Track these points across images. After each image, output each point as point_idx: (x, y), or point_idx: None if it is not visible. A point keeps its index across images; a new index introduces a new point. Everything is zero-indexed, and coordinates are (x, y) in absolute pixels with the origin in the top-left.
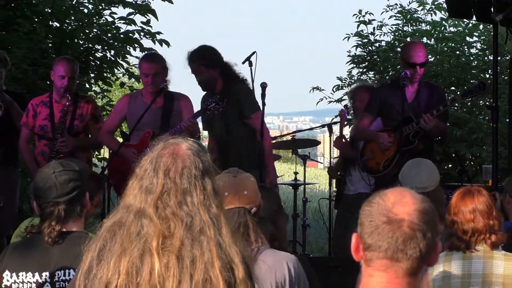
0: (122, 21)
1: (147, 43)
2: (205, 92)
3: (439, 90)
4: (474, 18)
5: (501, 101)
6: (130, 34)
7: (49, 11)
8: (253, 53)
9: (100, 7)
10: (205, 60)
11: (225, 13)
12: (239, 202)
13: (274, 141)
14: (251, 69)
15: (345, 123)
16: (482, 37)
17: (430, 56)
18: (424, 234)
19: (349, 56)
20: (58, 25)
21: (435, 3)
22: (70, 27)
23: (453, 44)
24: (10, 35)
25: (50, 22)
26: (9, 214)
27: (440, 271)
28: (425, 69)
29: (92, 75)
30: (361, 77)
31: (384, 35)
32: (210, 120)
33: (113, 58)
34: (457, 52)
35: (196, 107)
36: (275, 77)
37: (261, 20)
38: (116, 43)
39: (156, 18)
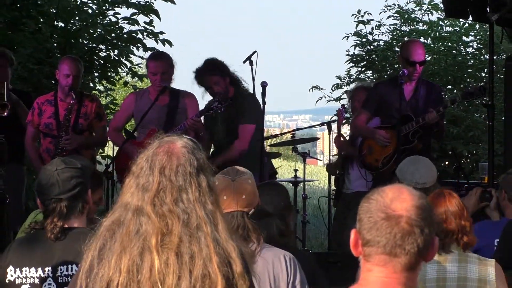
0: (126, 21)
1: (150, 42)
2: (210, 100)
3: (437, 89)
4: (470, 18)
5: (497, 99)
6: (134, 34)
7: (54, 11)
8: (254, 52)
9: (104, 8)
10: (219, 70)
11: (225, 12)
12: (238, 206)
13: (274, 140)
14: (251, 68)
15: (343, 121)
16: (478, 37)
17: (427, 56)
18: (421, 229)
19: (348, 55)
20: (63, 25)
21: (432, 3)
22: (74, 27)
23: (449, 44)
24: (16, 35)
25: (55, 22)
26: (15, 211)
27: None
28: (423, 68)
29: (96, 74)
30: (360, 76)
31: (382, 34)
32: (212, 122)
33: (116, 58)
34: (454, 51)
35: (201, 106)
36: (275, 76)
37: (261, 20)
38: (119, 43)
39: (159, 18)
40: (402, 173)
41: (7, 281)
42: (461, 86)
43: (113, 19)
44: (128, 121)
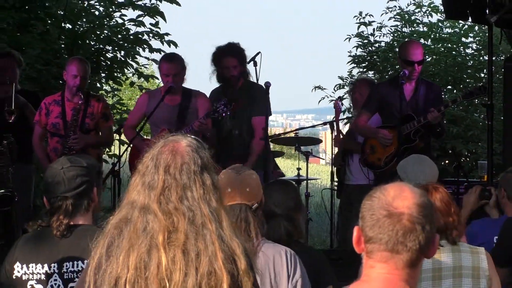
0: (132, 23)
1: (155, 44)
2: (216, 88)
3: (436, 89)
4: (470, 20)
5: (496, 99)
6: (139, 36)
7: (62, 13)
8: (258, 53)
9: (111, 10)
10: (241, 57)
11: (229, 14)
12: (241, 199)
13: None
14: (255, 69)
15: (340, 115)
16: (477, 38)
17: (427, 57)
18: (423, 227)
19: (350, 56)
20: (70, 26)
21: (432, 5)
22: (82, 29)
23: (449, 45)
24: (24, 36)
25: (63, 23)
26: (23, 209)
27: None
28: (423, 68)
29: (103, 74)
30: (362, 77)
31: (383, 36)
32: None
33: (123, 59)
34: (453, 52)
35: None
36: (279, 76)
37: (265, 21)
38: (126, 44)
39: (164, 20)
40: (406, 173)
41: (14, 277)
42: (461, 86)
43: (120, 21)
44: (142, 120)
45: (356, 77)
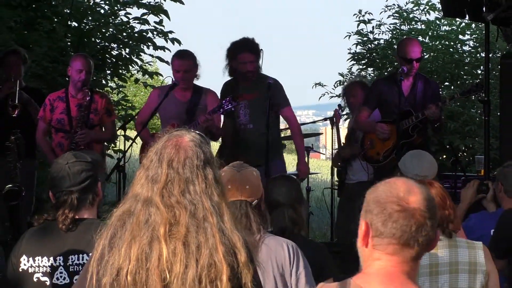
0: (137, 21)
1: (160, 41)
2: (228, 80)
3: (433, 85)
4: (467, 18)
5: (493, 95)
6: (144, 33)
7: (68, 11)
8: (260, 50)
9: (116, 8)
10: (257, 53)
11: (231, 12)
12: (241, 196)
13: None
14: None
15: (344, 118)
16: (474, 36)
17: (425, 54)
18: (432, 222)
19: (349, 53)
20: (76, 24)
21: (430, 3)
22: (87, 27)
23: (447, 42)
24: (31, 34)
25: (69, 22)
26: (26, 203)
27: None
28: (421, 65)
29: (108, 71)
30: (361, 73)
31: (382, 33)
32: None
33: (128, 56)
34: (451, 50)
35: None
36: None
37: (267, 20)
38: (130, 42)
39: (168, 18)
40: (406, 167)
41: (20, 270)
42: (458, 83)
43: (125, 19)
44: (153, 116)
45: (354, 77)
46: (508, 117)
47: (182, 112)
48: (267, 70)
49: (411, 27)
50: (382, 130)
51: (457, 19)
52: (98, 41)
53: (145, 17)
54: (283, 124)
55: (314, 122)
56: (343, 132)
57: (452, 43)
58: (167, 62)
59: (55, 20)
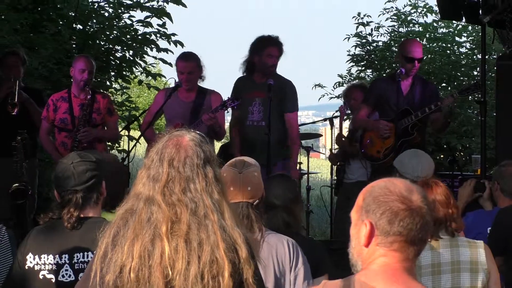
0: (140, 24)
1: (163, 44)
2: (243, 76)
3: (431, 87)
4: (464, 20)
5: (489, 96)
6: (147, 36)
7: (73, 14)
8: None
9: (120, 11)
10: (281, 49)
11: (233, 14)
12: (243, 197)
13: None
14: None
15: (344, 117)
16: (470, 38)
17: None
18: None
19: (349, 55)
20: (81, 27)
21: (427, 6)
22: (92, 29)
23: (444, 44)
24: (37, 37)
25: (74, 24)
26: (29, 201)
27: None
28: (419, 67)
29: (112, 73)
30: (360, 75)
31: (381, 36)
32: (245, 106)
33: (131, 58)
34: (448, 51)
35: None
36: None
37: (267, 22)
38: (134, 44)
39: (171, 21)
40: (404, 166)
41: (26, 268)
42: (455, 83)
43: (128, 22)
44: (159, 117)
45: (353, 80)
46: (504, 117)
47: (186, 112)
48: None
49: (409, 29)
50: (385, 128)
51: (454, 21)
52: (102, 43)
53: (148, 20)
54: None
55: (314, 122)
56: (344, 132)
57: (449, 45)
58: (170, 64)
59: (61, 22)
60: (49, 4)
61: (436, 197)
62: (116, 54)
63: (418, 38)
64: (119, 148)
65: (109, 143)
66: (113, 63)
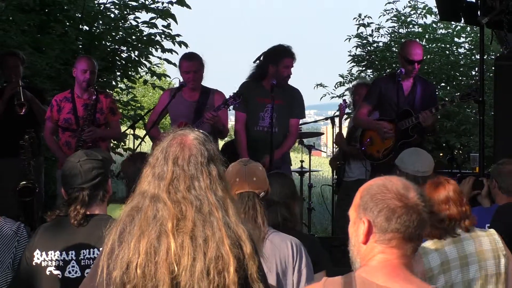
0: (145, 25)
1: (167, 44)
2: (248, 81)
3: (431, 87)
4: (462, 21)
5: (487, 96)
6: (152, 37)
7: (79, 16)
8: (263, 53)
9: (125, 12)
10: (294, 59)
11: (235, 14)
12: (249, 187)
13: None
14: None
15: (344, 116)
16: (469, 38)
17: None
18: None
19: (350, 55)
20: (87, 28)
21: (426, 8)
22: (98, 30)
23: (443, 45)
24: (44, 38)
25: (80, 25)
26: (38, 198)
27: (436, 258)
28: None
29: (118, 73)
30: (361, 75)
31: (381, 36)
32: (256, 111)
33: (137, 58)
34: (447, 52)
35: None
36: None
37: (270, 23)
38: (139, 45)
39: (176, 22)
40: (404, 163)
41: (33, 264)
42: (454, 83)
43: (134, 23)
44: (164, 116)
45: (354, 79)
46: (502, 116)
47: (191, 111)
48: None
49: (408, 30)
50: (387, 130)
51: (453, 22)
52: (108, 44)
53: (153, 21)
54: None
55: (316, 121)
56: (344, 131)
57: (448, 46)
58: (174, 64)
59: (67, 24)
60: (56, 6)
61: (449, 194)
62: (122, 54)
63: (417, 39)
64: (124, 147)
65: (115, 142)
66: (119, 63)
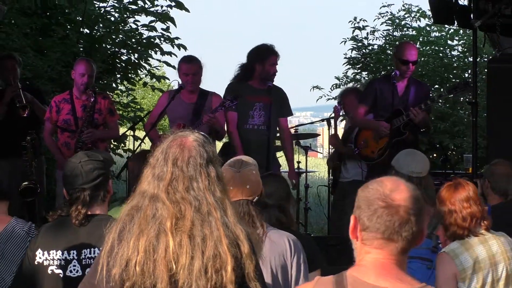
0: (145, 28)
1: (166, 47)
2: (234, 82)
3: (425, 88)
4: (456, 24)
5: (480, 97)
6: (152, 40)
7: (80, 19)
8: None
9: (125, 16)
10: (278, 57)
11: (233, 16)
12: (242, 195)
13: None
14: None
15: (340, 118)
16: (462, 41)
17: None
18: (416, 218)
19: (345, 58)
20: (88, 31)
21: (420, 11)
22: (98, 33)
23: (437, 47)
24: (46, 40)
25: (81, 28)
26: (40, 198)
27: (468, 259)
28: (413, 69)
29: (118, 75)
30: (356, 77)
31: (376, 39)
32: (245, 109)
33: (136, 61)
34: (440, 54)
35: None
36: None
37: (267, 26)
38: (139, 47)
39: (175, 25)
40: (400, 164)
41: (36, 263)
42: (447, 85)
43: (134, 26)
44: (162, 118)
45: (349, 82)
46: (494, 117)
47: (189, 113)
48: None
49: (403, 33)
50: (385, 129)
51: (447, 25)
52: (108, 47)
53: (152, 24)
54: None
55: (312, 123)
56: (340, 132)
57: (441, 48)
58: (173, 67)
59: (68, 27)
60: (58, 9)
61: (470, 193)
62: (122, 57)
63: (411, 42)
64: (124, 148)
65: (115, 143)
66: (119, 65)
